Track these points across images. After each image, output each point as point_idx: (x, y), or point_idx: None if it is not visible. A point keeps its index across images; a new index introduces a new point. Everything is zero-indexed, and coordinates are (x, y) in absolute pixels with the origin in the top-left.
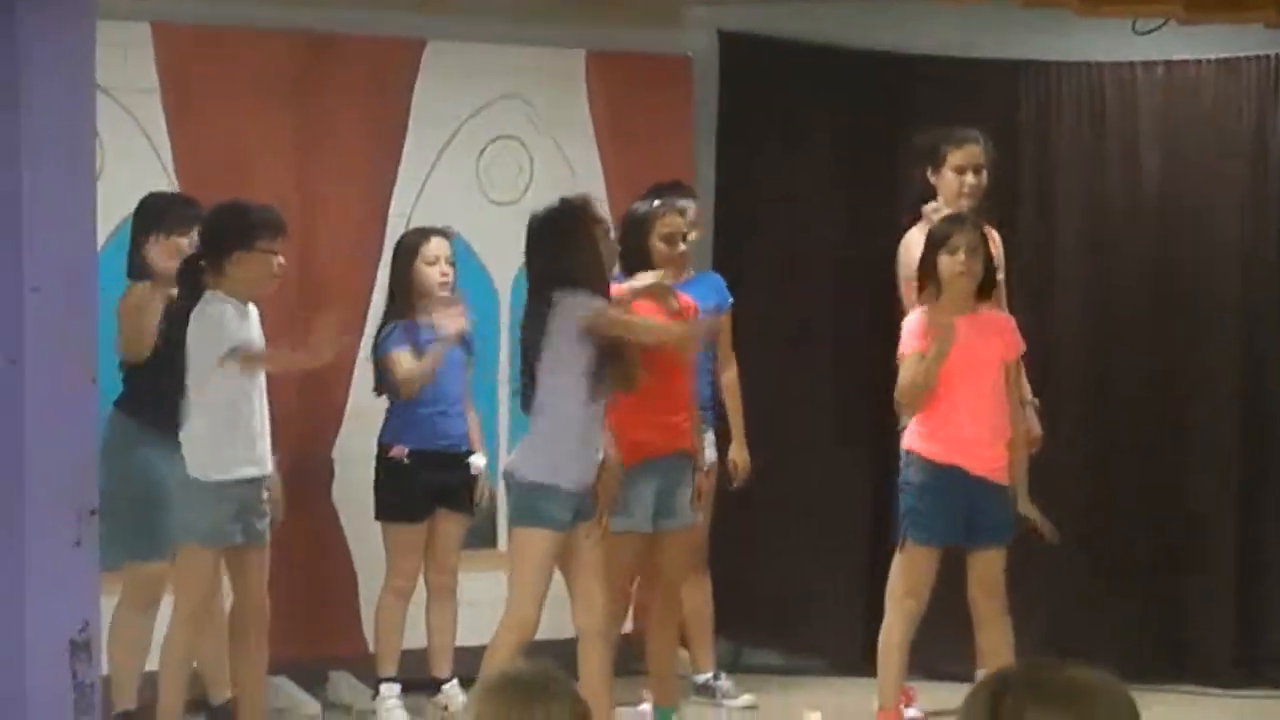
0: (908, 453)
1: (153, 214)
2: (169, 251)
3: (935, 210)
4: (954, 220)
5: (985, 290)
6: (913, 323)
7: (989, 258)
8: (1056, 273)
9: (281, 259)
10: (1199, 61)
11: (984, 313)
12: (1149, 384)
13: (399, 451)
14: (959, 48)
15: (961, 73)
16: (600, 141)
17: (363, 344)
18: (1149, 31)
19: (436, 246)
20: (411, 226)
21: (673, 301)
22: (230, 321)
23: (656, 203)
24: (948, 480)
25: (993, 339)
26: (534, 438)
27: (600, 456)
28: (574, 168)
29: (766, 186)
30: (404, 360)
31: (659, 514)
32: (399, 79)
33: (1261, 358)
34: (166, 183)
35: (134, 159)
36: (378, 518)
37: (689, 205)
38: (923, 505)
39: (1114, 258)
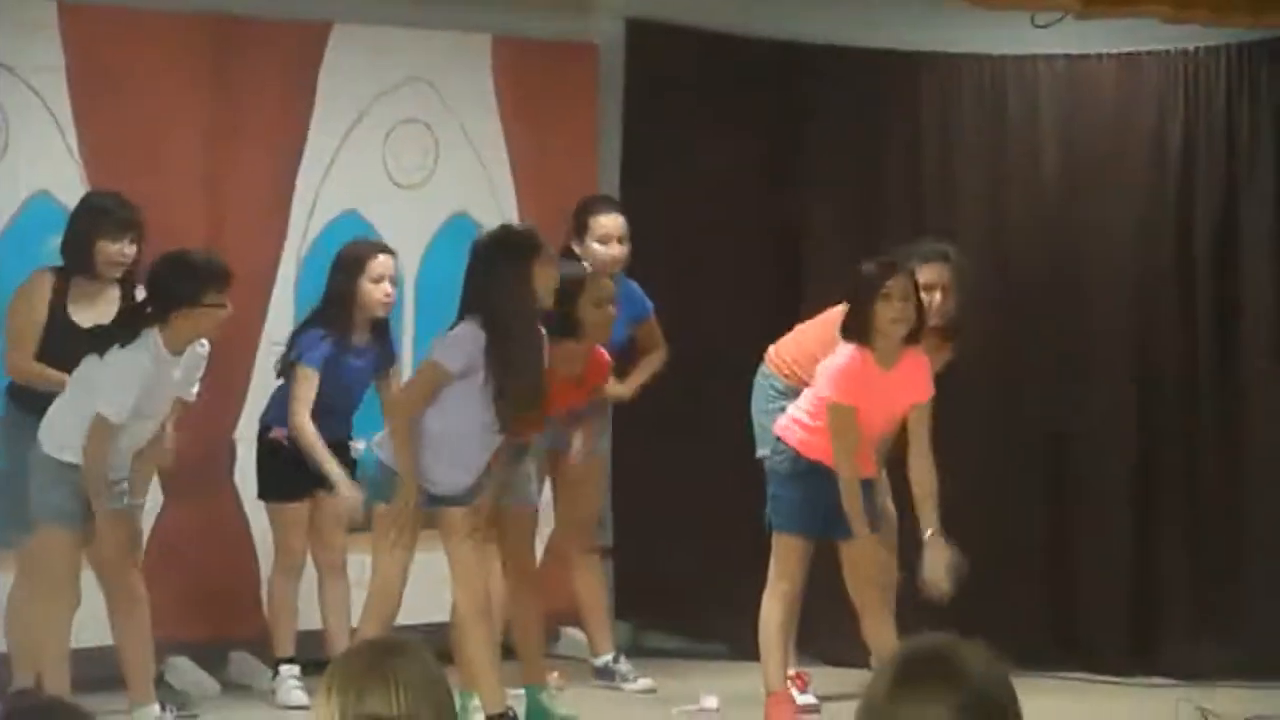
0: (779, 440)
1: (99, 215)
2: (114, 257)
3: None
4: (886, 266)
5: (915, 335)
6: (843, 366)
7: (919, 303)
8: None
9: (229, 308)
10: (1099, 56)
11: (905, 358)
12: (1046, 376)
13: (279, 434)
14: (862, 38)
15: (863, 63)
16: (506, 127)
17: (266, 326)
18: (1047, 25)
19: (383, 264)
20: (319, 210)
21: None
22: (144, 377)
23: (587, 267)
24: (811, 473)
25: (905, 390)
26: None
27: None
28: (479, 152)
29: (671, 173)
30: (308, 385)
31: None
32: (305, 61)
33: (1158, 350)
34: (71, 163)
35: (38, 138)
36: (260, 496)
37: (603, 220)
38: (785, 493)
39: (1014, 249)
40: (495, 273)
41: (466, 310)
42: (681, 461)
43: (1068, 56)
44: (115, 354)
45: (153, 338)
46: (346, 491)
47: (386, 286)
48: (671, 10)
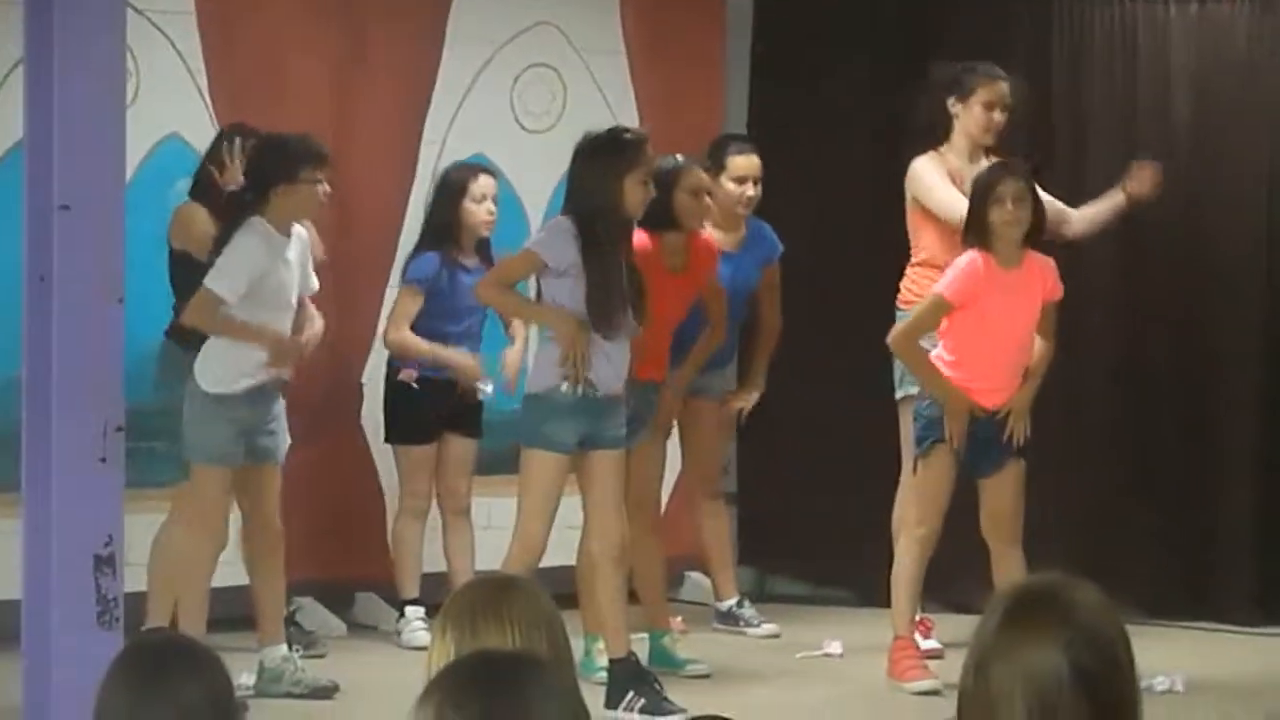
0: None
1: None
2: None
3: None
4: (999, 168)
5: (1033, 236)
6: (963, 267)
7: (1036, 203)
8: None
9: (327, 186)
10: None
11: (1029, 260)
12: (1176, 320)
13: (408, 375)
14: None
15: (996, 4)
16: (634, 70)
17: (393, 271)
18: None
19: (484, 184)
20: (446, 153)
21: (676, 260)
22: (257, 258)
23: (680, 158)
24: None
25: (1034, 289)
26: (538, 352)
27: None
28: (607, 96)
29: (798, 115)
30: (408, 301)
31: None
32: (436, 3)
33: None
34: (201, 105)
35: (168, 80)
36: (387, 439)
37: (740, 160)
38: (932, 436)
39: None
40: (589, 170)
41: (565, 209)
42: (808, 407)
43: (1200, 0)
44: (228, 244)
45: (258, 221)
46: (465, 363)
47: (489, 205)
48: None
